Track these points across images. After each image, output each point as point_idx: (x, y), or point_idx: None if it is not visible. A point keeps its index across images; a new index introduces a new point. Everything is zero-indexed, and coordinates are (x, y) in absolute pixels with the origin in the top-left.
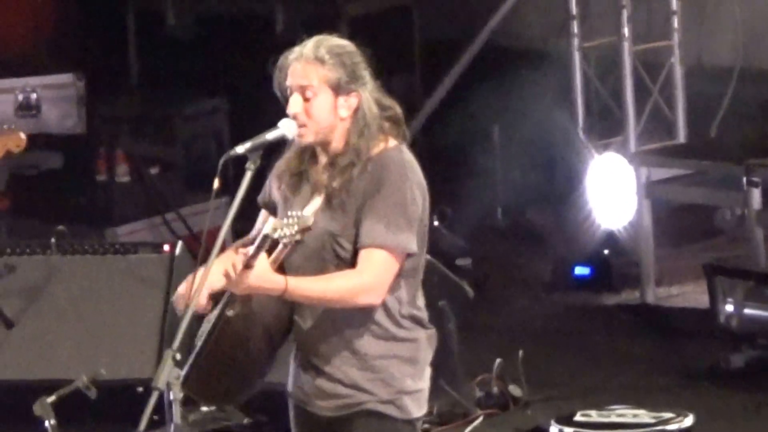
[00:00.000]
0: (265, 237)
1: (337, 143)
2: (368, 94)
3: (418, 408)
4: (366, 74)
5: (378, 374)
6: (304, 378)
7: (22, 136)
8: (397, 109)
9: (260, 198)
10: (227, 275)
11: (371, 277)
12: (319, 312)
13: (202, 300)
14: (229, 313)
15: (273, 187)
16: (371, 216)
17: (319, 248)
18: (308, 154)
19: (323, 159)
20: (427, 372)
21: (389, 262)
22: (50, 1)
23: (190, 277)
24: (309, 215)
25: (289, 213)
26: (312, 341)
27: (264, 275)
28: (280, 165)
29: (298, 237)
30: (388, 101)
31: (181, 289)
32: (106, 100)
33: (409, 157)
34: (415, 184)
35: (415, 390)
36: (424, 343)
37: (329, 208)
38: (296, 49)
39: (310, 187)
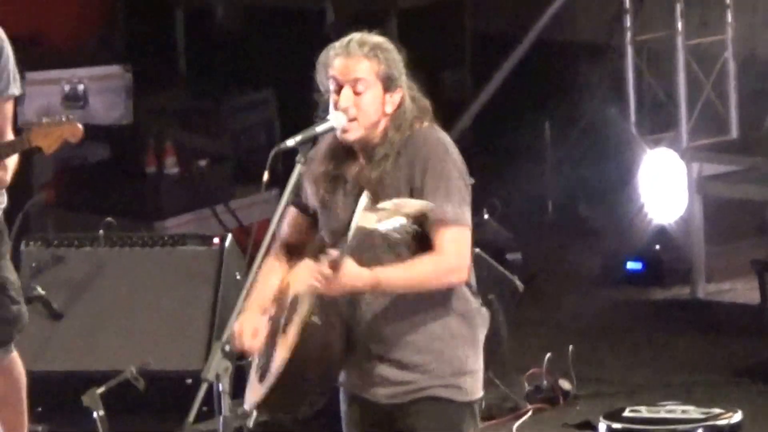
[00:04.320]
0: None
1: (376, 138)
2: (406, 90)
3: (478, 389)
4: (403, 70)
5: (442, 354)
6: (364, 367)
7: (80, 126)
8: (424, 100)
9: (292, 199)
10: (319, 279)
11: (455, 256)
12: (378, 297)
13: (246, 341)
14: (315, 319)
15: (309, 192)
16: (433, 195)
17: (370, 242)
18: (342, 155)
19: (362, 158)
20: (481, 353)
21: (466, 237)
22: None
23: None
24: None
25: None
26: (373, 327)
27: (356, 273)
28: (315, 169)
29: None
30: (416, 92)
31: (237, 327)
32: (154, 92)
33: (443, 134)
34: (457, 157)
35: (475, 370)
36: (479, 319)
37: (373, 202)
38: (337, 45)
39: (349, 186)
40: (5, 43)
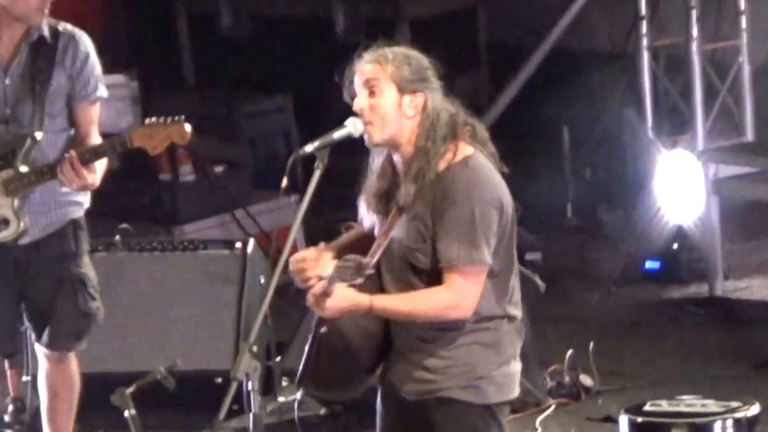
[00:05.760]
0: (331, 278)
1: (405, 147)
2: (437, 98)
3: (500, 393)
4: (434, 80)
5: (457, 361)
6: (394, 363)
7: (187, 128)
8: (477, 123)
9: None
10: (311, 299)
11: (456, 294)
12: None
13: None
14: (322, 330)
15: (363, 212)
16: (445, 236)
17: (400, 257)
18: (390, 171)
19: (402, 171)
20: (513, 357)
21: (470, 277)
22: (100, 2)
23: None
24: (367, 260)
25: (346, 257)
26: (397, 330)
27: (345, 298)
28: (367, 190)
29: (358, 281)
30: (456, 107)
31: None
32: (163, 99)
33: (476, 170)
34: (484, 200)
35: (497, 375)
36: (507, 331)
37: (407, 221)
38: (364, 55)
39: (394, 203)
40: (90, 48)
